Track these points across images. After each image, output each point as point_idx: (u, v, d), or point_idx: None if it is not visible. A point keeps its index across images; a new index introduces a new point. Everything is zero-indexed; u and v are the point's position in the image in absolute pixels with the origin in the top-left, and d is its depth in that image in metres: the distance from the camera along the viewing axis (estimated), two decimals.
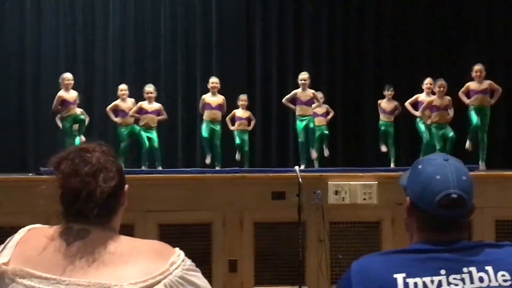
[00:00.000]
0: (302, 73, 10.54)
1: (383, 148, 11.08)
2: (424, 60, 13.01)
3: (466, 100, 9.75)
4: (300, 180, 6.21)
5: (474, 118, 9.66)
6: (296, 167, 6.56)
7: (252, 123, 11.27)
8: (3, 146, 12.23)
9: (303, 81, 10.30)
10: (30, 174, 8.62)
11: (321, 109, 11.16)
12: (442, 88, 9.86)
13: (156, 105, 10.55)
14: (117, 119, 10.60)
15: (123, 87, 10.78)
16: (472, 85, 9.78)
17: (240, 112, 11.05)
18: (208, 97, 10.45)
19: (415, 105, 10.50)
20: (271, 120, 13.02)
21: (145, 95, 10.47)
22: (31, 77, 12.77)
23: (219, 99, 10.43)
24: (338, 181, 6.74)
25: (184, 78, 13.23)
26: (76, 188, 2.00)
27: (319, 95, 10.96)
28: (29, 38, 12.88)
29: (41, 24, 12.92)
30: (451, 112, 9.98)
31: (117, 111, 10.66)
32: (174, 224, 6.50)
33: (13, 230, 5.47)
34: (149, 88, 10.54)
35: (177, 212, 6.54)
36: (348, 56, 13.39)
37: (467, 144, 9.76)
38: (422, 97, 10.39)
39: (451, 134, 9.82)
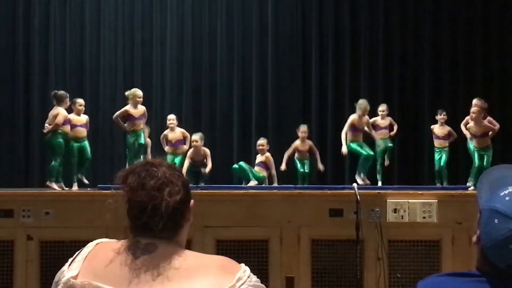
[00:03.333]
0: (361, 101, 10.13)
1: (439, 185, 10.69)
2: (482, 84, 12.83)
3: None
4: (358, 197, 6.14)
5: None
6: (354, 184, 6.50)
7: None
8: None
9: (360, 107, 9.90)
10: (88, 189, 8.74)
11: (384, 121, 10.83)
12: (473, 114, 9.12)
13: (179, 132, 10.45)
14: (166, 148, 10.55)
15: (171, 117, 10.67)
16: None
17: (299, 145, 10.80)
18: None
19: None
20: (326, 143, 12.93)
21: (168, 124, 10.45)
22: (89, 94, 12.96)
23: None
24: (397, 198, 6.66)
25: (240, 94, 13.28)
26: (142, 201, 2.01)
27: (383, 107, 10.79)
28: (88, 55, 13.10)
29: (100, 41, 13.14)
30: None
31: (166, 140, 10.56)
32: (231, 240, 6.51)
33: (73, 243, 5.59)
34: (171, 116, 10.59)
35: (235, 228, 6.54)
36: (405, 75, 13.26)
37: None
38: None
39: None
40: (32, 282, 6.36)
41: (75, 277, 1.98)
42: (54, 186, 8.66)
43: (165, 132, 10.54)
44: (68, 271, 2.02)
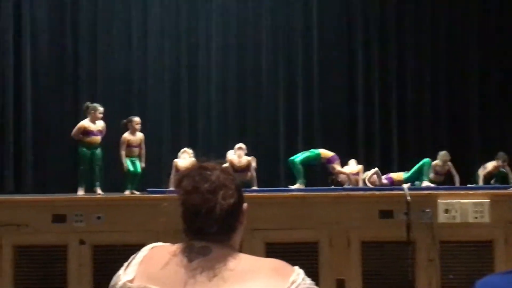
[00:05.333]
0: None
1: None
2: None
3: None
4: (408, 198, 6.07)
5: None
6: (404, 185, 6.44)
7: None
8: (111, 166, 12.54)
9: None
10: (138, 193, 8.81)
11: None
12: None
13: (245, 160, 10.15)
14: None
15: (243, 146, 10.30)
16: None
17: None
18: None
19: None
20: (374, 145, 12.90)
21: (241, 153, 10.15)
22: (137, 100, 13.10)
23: None
24: (448, 199, 6.57)
25: (285, 96, 13.29)
26: (196, 204, 2.01)
27: None
28: (135, 61, 13.23)
29: (147, 46, 13.26)
30: None
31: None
32: (280, 242, 6.49)
33: (125, 247, 5.62)
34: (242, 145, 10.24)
35: (284, 231, 6.53)
36: (453, 75, 13.13)
37: None
38: None
39: None
40: (85, 286, 6.44)
41: (131, 281, 2.00)
42: (80, 192, 8.80)
43: (230, 158, 10.09)
44: (124, 275, 2.03)
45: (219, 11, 13.41)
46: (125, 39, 13.26)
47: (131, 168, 9.30)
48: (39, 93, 12.87)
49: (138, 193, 9.01)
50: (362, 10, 13.38)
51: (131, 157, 9.39)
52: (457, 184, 10.43)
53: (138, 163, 9.45)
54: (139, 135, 9.53)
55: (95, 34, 13.17)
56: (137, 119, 9.61)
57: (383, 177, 10.37)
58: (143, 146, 9.59)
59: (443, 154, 10.73)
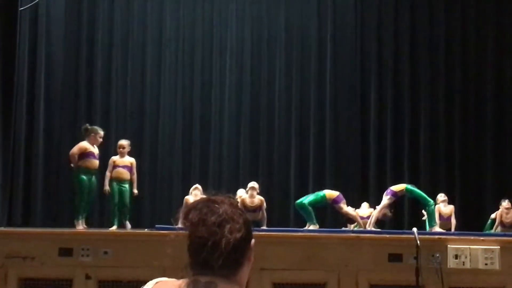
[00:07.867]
0: None
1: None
2: None
3: None
4: (418, 242, 6.01)
5: None
6: (414, 229, 6.37)
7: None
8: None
9: None
10: (146, 230, 8.76)
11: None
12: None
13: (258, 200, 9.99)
14: None
15: (256, 185, 9.99)
16: None
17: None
18: None
19: None
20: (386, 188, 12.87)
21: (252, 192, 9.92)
22: (149, 136, 13.14)
23: None
24: (458, 244, 6.49)
25: (298, 133, 13.31)
26: (203, 237, 1.99)
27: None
28: (148, 97, 13.31)
29: (161, 82, 13.35)
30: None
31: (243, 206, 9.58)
32: (288, 283, 6.42)
33: (131, 283, 5.55)
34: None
35: (292, 271, 6.46)
36: (467, 117, 13.12)
37: None
38: None
39: None
40: None
41: None
42: (80, 226, 8.46)
43: (243, 197, 9.91)
44: None
45: (234, 48, 13.52)
46: (139, 75, 13.37)
47: (116, 198, 8.97)
48: (52, 126, 12.92)
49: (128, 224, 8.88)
50: (376, 54, 13.46)
51: (120, 181, 9.03)
52: (453, 229, 10.43)
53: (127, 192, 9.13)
54: (129, 159, 9.18)
55: (109, 68, 13.29)
56: (122, 142, 9.28)
57: (387, 197, 9.93)
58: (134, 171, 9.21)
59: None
